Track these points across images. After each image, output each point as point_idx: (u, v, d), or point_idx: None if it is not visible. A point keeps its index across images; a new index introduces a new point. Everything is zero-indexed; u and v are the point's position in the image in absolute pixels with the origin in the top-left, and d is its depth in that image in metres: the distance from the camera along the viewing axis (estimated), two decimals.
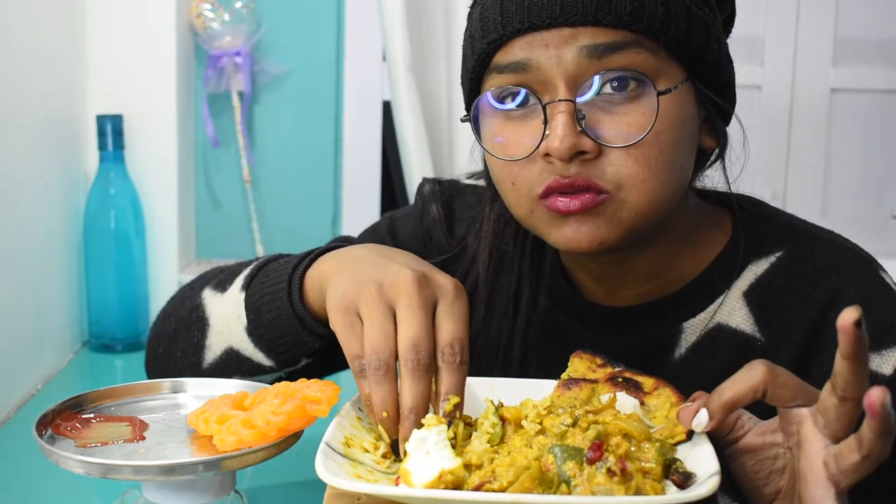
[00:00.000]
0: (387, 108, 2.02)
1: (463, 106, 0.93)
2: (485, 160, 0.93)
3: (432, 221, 1.06)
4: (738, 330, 0.91)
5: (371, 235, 1.09)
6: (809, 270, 0.91)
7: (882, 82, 2.10)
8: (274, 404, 0.77)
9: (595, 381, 0.78)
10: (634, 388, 0.77)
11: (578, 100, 0.81)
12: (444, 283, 0.79)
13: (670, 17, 0.81)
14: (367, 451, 0.75)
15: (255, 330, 0.91)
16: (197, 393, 0.90)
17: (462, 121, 0.90)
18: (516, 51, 0.82)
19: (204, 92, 1.95)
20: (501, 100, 0.84)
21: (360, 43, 2.04)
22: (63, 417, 0.82)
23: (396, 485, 0.68)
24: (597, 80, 0.80)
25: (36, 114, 1.59)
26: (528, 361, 1.00)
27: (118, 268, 1.76)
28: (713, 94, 0.87)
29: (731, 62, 0.90)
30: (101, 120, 1.73)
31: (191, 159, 1.97)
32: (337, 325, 0.78)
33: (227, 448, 0.75)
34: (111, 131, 1.73)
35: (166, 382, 0.91)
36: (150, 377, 1.03)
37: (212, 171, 2.01)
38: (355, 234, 1.12)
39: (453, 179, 1.10)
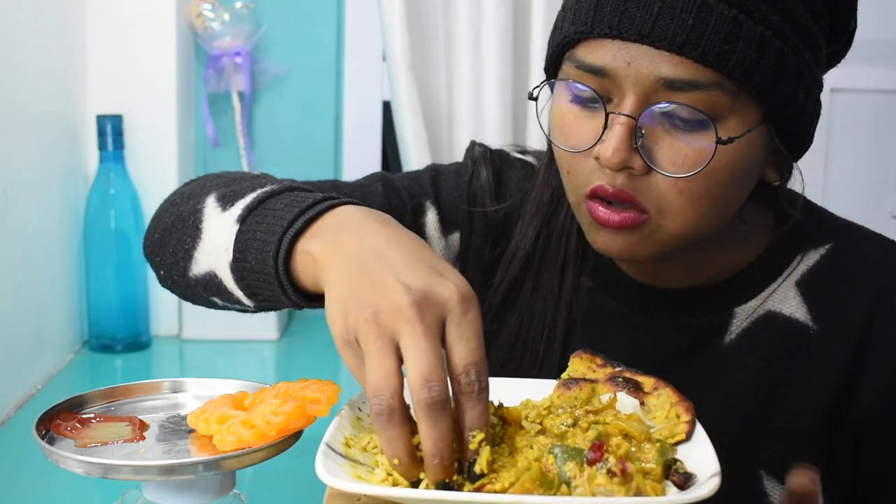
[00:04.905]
0: (387, 108, 2.02)
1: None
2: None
3: (481, 186, 1.05)
4: (792, 317, 0.93)
5: (412, 181, 1.06)
6: (862, 263, 0.93)
7: (882, 82, 2.10)
8: (274, 404, 0.77)
9: (595, 381, 0.78)
10: (634, 388, 0.77)
11: (642, 118, 0.81)
12: (449, 296, 0.69)
13: (759, 66, 0.79)
14: (367, 452, 0.74)
15: (238, 270, 0.85)
16: (197, 393, 0.90)
17: (530, 97, 0.90)
18: (599, 54, 0.82)
19: (204, 92, 1.95)
20: (577, 90, 0.85)
21: (360, 43, 2.04)
22: (63, 417, 0.82)
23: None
24: (665, 107, 0.80)
25: (36, 114, 1.59)
26: (572, 340, 1.00)
27: (118, 268, 1.76)
28: (788, 138, 0.86)
29: (816, 106, 0.88)
30: (101, 120, 1.73)
31: (191, 159, 1.97)
32: (346, 359, 0.72)
33: (227, 448, 0.75)
34: (111, 131, 1.73)
35: (166, 382, 0.91)
36: (144, 254, 1.00)
37: (212, 172, 2.01)
38: None
39: (502, 150, 1.10)
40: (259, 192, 0.86)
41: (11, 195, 1.47)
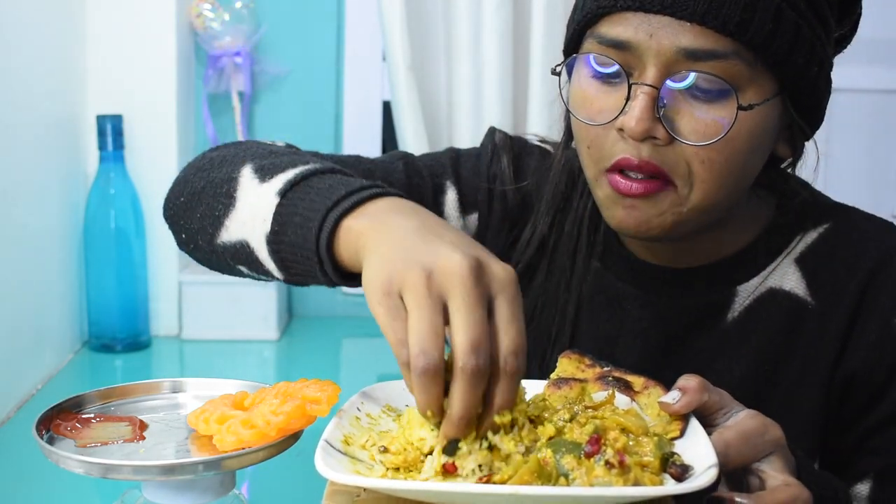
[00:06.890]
0: (387, 108, 2.03)
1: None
2: (567, 111, 0.95)
3: (501, 170, 1.07)
4: (792, 293, 0.95)
5: (432, 161, 1.07)
6: (856, 240, 0.96)
7: (882, 82, 2.10)
8: (274, 404, 0.77)
9: (584, 381, 0.78)
10: (624, 388, 0.77)
11: (664, 88, 0.83)
12: (502, 274, 0.70)
13: (776, 35, 0.82)
14: (366, 449, 0.75)
15: (274, 243, 0.85)
16: (197, 393, 0.90)
17: (553, 72, 0.92)
18: (621, 28, 0.84)
19: (204, 92, 1.95)
20: (598, 64, 0.87)
21: (360, 43, 2.04)
22: (63, 417, 0.82)
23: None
24: (688, 77, 0.83)
25: (36, 114, 1.59)
26: (580, 321, 1.02)
27: (118, 268, 1.76)
28: (802, 111, 0.89)
29: (828, 84, 0.91)
30: (101, 120, 1.73)
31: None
32: (378, 309, 0.70)
33: (227, 448, 0.75)
34: (111, 131, 1.73)
35: (166, 382, 0.91)
36: (165, 215, 0.99)
37: None
38: None
39: (521, 136, 1.12)
40: (302, 168, 0.87)
41: (11, 195, 1.47)
